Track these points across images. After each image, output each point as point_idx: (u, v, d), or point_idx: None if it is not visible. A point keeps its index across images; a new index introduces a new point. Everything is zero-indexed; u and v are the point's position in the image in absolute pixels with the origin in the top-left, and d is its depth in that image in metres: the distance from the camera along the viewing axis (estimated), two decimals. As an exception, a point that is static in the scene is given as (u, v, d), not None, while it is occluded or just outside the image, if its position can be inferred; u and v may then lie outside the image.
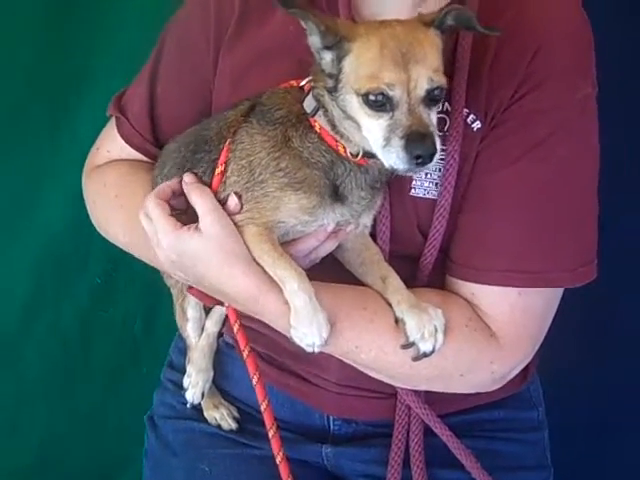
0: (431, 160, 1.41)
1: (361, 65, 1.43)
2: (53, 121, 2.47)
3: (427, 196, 1.66)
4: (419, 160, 1.40)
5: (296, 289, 1.48)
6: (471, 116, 1.63)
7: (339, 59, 1.45)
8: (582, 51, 1.65)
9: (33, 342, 2.62)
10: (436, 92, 1.43)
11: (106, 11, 2.43)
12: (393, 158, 1.41)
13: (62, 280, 2.60)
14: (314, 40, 1.46)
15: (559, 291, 1.70)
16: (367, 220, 1.64)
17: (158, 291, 2.41)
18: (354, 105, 1.45)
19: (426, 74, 1.41)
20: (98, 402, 2.71)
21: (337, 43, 1.44)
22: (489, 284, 1.64)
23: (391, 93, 1.40)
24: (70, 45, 2.43)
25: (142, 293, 2.65)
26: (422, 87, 1.41)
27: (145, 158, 1.90)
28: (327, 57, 1.47)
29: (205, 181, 1.61)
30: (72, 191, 2.20)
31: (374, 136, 1.44)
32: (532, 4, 1.64)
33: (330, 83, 1.48)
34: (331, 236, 1.60)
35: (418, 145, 1.39)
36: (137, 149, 1.90)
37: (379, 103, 1.41)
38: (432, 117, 1.45)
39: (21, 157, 2.47)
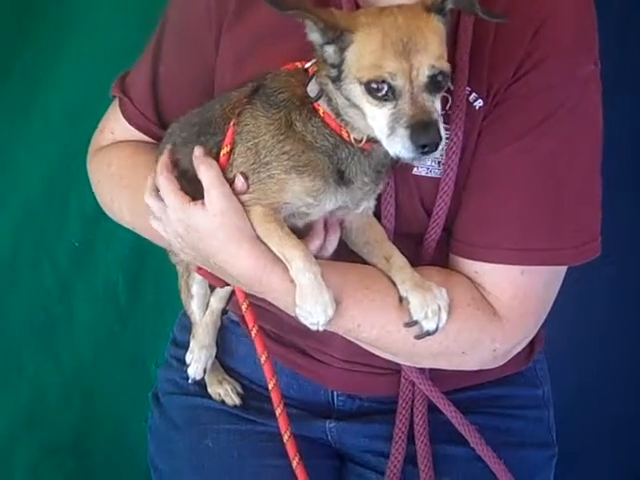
0: (436, 148, 1.41)
1: (363, 55, 1.42)
2: (26, 94, 2.50)
3: (430, 175, 1.66)
4: (425, 149, 1.40)
5: (302, 267, 1.49)
6: (473, 94, 1.63)
7: (342, 50, 1.44)
8: (585, 27, 1.64)
9: (13, 307, 2.67)
10: (439, 78, 1.42)
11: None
12: (398, 147, 1.41)
13: (40, 244, 2.63)
14: (315, 37, 1.45)
15: (562, 269, 1.69)
16: (370, 202, 1.64)
17: (140, 253, 2.52)
18: (357, 94, 1.44)
19: (427, 62, 1.40)
20: (87, 365, 2.75)
21: (338, 36, 1.43)
22: (492, 262, 1.64)
23: (393, 82, 1.39)
24: (43, 19, 2.45)
25: (123, 255, 2.67)
26: (424, 75, 1.40)
27: (149, 139, 1.90)
28: (329, 50, 1.46)
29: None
30: (47, 159, 2.34)
31: (379, 124, 1.44)
32: None
33: (333, 73, 1.47)
34: (330, 230, 1.61)
35: (423, 135, 1.39)
36: (140, 130, 1.90)
37: (382, 92, 1.41)
38: (436, 104, 1.44)
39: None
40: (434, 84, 1.41)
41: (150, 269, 2.67)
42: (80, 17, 2.47)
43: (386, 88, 1.40)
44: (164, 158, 1.64)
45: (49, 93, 2.50)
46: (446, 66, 1.42)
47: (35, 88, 2.50)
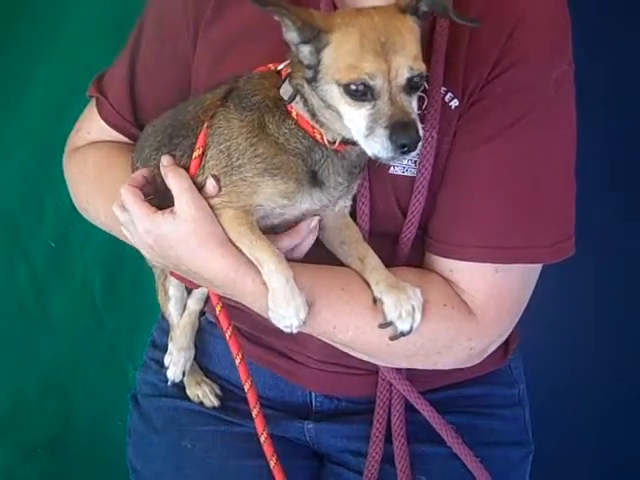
0: (415, 148, 1.41)
1: (341, 56, 1.42)
2: (1, 95, 2.54)
3: (406, 174, 1.66)
4: (404, 149, 1.40)
5: (274, 271, 1.49)
6: (449, 94, 1.63)
7: (318, 51, 1.44)
8: (559, 28, 1.65)
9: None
10: (416, 79, 1.42)
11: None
12: (377, 147, 1.41)
13: (16, 245, 2.67)
14: (292, 36, 1.45)
15: (537, 267, 1.70)
16: (347, 201, 1.64)
17: (116, 253, 2.57)
18: (335, 95, 1.44)
19: (406, 63, 1.41)
20: (63, 365, 2.79)
21: (315, 36, 1.43)
22: (467, 260, 1.64)
23: (372, 83, 1.40)
24: (21, 22, 2.47)
25: (99, 255, 2.70)
26: (402, 76, 1.41)
27: (125, 139, 1.90)
28: (305, 50, 1.45)
29: (183, 165, 1.60)
30: (22, 160, 2.43)
31: (356, 125, 1.44)
32: None
33: (309, 74, 1.47)
34: (310, 233, 1.60)
35: (402, 134, 1.39)
36: (117, 129, 1.89)
37: (360, 93, 1.41)
38: (413, 104, 1.45)
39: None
40: (411, 85, 1.42)
41: (126, 269, 2.70)
42: (57, 20, 2.50)
43: (364, 89, 1.40)
44: (138, 173, 1.64)
45: (25, 94, 2.53)
46: (423, 67, 1.43)
47: (11, 89, 2.53)
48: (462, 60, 1.62)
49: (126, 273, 2.71)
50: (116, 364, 2.78)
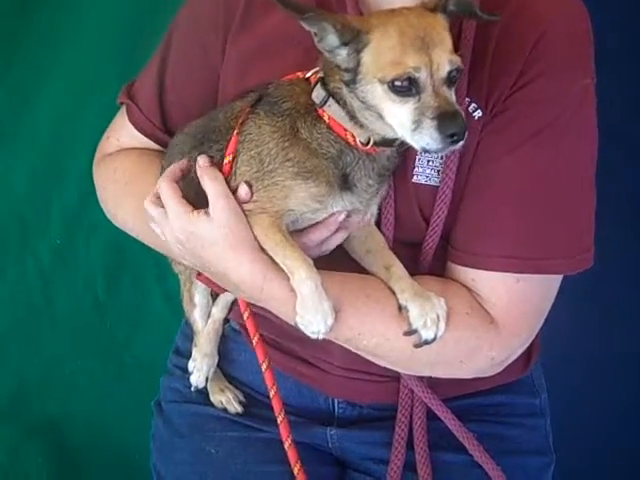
0: (463, 137, 1.43)
1: (383, 54, 1.45)
2: (12, 98, 2.60)
3: (429, 183, 1.68)
4: (453, 138, 1.42)
5: (304, 278, 1.50)
6: (472, 105, 1.65)
7: (357, 52, 1.47)
8: (582, 42, 1.67)
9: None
10: (454, 73, 1.46)
11: (69, 3, 2.53)
12: (426, 139, 1.43)
13: (24, 242, 2.75)
14: (330, 39, 1.47)
15: (557, 278, 1.72)
16: (374, 208, 1.66)
17: (119, 251, 2.68)
18: (378, 94, 1.46)
19: (446, 56, 1.44)
20: (66, 355, 2.87)
21: (354, 37, 1.46)
22: (489, 270, 1.66)
23: (417, 75, 1.42)
24: (33, 30, 2.53)
25: (103, 253, 2.78)
26: (444, 68, 1.44)
27: (155, 145, 1.92)
28: (343, 53, 1.48)
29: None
30: (30, 160, 2.53)
31: (401, 121, 1.46)
32: None
33: (347, 76, 1.49)
34: (341, 227, 1.62)
35: (450, 124, 1.42)
36: (147, 136, 1.92)
37: (405, 88, 1.43)
38: (453, 97, 1.47)
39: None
40: (450, 78, 1.45)
41: (128, 266, 2.79)
42: (70, 26, 2.55)
43: (409, 84, 1.43)
44: (174, 166, 1.66)
45: (35, 94, 2.57)
46: (460, 61, 1.46)
47: (21, 89, 2.59)
48: (486, 71, 1.65)
49: (128, 270, 2.80)
50: (115, 353, 2.89)
